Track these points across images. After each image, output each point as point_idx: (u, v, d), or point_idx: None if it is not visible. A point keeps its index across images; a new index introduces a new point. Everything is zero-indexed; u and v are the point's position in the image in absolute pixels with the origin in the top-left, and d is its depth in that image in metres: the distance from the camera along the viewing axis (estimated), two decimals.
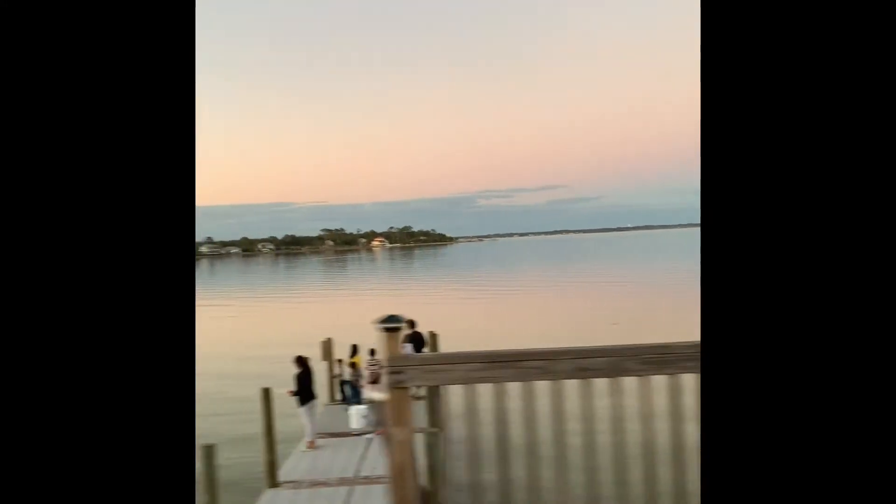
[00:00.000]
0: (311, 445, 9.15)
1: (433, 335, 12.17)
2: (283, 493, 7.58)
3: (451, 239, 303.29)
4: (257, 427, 8.47)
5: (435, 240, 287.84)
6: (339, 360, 11.80)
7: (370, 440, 9.40)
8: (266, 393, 8.17)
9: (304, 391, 9.19)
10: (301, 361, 9.37)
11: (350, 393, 11.31)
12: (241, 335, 25.17)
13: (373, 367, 11.88)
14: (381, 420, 10.32)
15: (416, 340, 11.83)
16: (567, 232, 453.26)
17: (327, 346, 12.06)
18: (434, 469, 6.41)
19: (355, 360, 11.66)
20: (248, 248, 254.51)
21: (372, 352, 11.92)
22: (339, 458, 8.70)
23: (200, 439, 12.25)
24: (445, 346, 11.53)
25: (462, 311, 26.17)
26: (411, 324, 12.18)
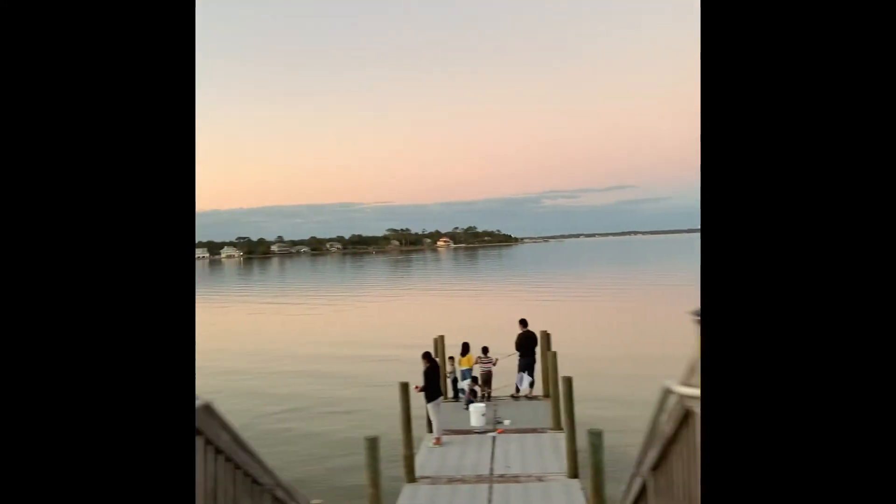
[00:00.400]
0: (438, 442, 9.17)
1: (546, 335, 12.02)
2: (422, 489, 7.60)
3: (516, 239, 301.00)
4: (371, 425, 8.45)
5: (500, 240, 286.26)
6: (451, 358, 11.80)
7: (494, 438, 9.34)
8: (404, 387, 8.22)
9: (432, 388, 9.22)
10: (428, 358, 9.40)
11: (463, 390, 11.30)
12: (321, 334, 25.56)
13: (485, 366, 11.86)
14: (499, 418, 10.28)
15: (528, 339, 11.72)
16: (636, 233, 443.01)
17: (439, 344, 12.08)
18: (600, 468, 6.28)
19: (468, 358, 11.65)
20: (316, 247, 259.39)
21: (485, 350, 11.87)
22: (468, 456, 8.67)
23: (326, 437, 12.45)
24: (557, 346, 11.36)
25: (546, 311, 25.91)
26: (523, 323, 12.08)
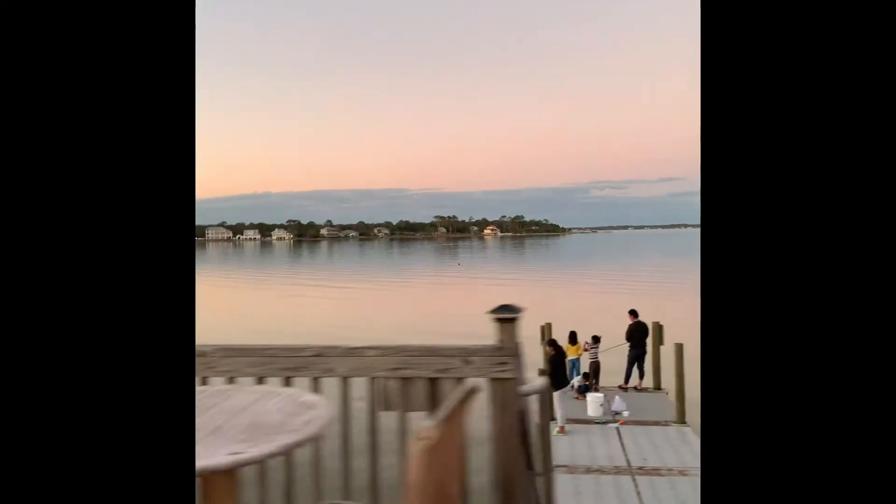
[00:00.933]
0: (562, 431, 9.05)
1: (658, 326, 11.74)
2: (562, 478, 7.49)
3: (563, 230, 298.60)
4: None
5: (547, 230, 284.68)
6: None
7: (618, 430, 9.17)
8: (541, 373, 8.11)
9: (558, 376, 9.09)
10: (554, 346, 9.27)
11: (575, 378, 11.13)
12: (381, 319, 25.64)
13: (595, 355, 11.68)
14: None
15: (640, 330, 11.47)
16: (686, 226, 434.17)
17: (545, 332, 11.93)
18: None
19: (576, 347, 11.48)
20: (364, 232, 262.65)
21: (595, 339, 11.68)
22: (598, 446, 8.52)
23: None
24: (670, 338, 11.08)
25: (618, 302, 25.50)
26: (633, 313, 11.84)
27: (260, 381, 2.56)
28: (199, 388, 2.31)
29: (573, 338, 11.48)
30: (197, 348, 2.63)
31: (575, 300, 28.74)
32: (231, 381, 2.60)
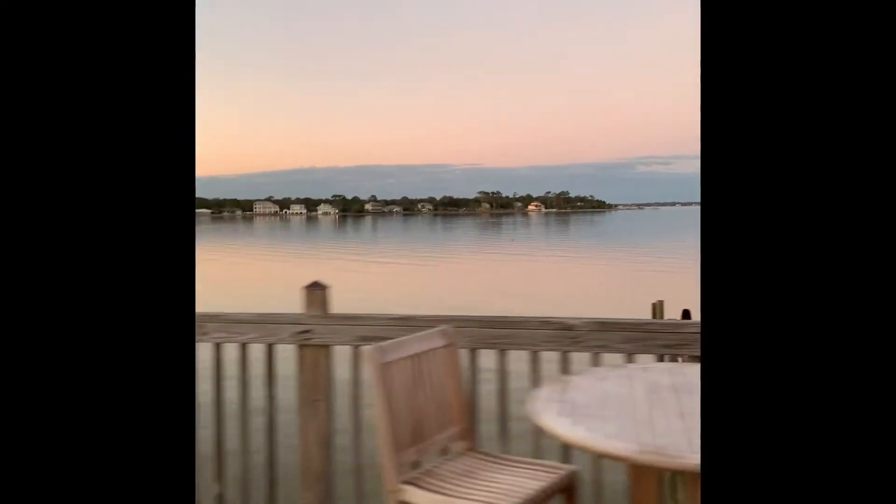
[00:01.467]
0: None
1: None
2: None
3: (609, 206, 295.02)
4: None
5: (593, 206, 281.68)
6: None
7: None
8: None
9: None
10: (687, 315, 9.12)
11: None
12: (443, 294, 25.61)
13: None
14: None
15: None
16: None
17: (658, 310, 11.77)
18: None
19: None
20: (407, 207, 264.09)
21: (685, 313, 11.51)
22: None
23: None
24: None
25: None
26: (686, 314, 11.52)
27: (630, 358, 2.52)
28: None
29: (686, 315, 11.30)
30: (561, 322, 2.61)
31: (650, 279, 28.30)
32: (596, 357, 2.57)
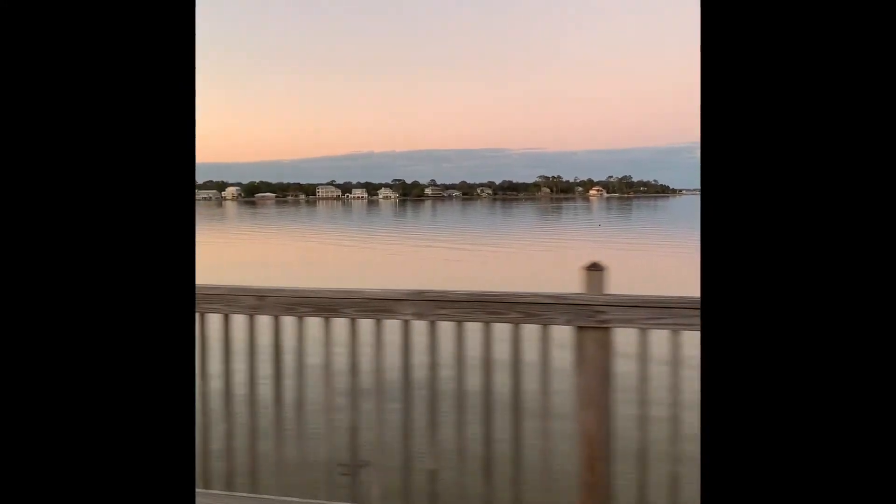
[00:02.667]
0: None
1: None
2: None
3: (674, 191, 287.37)
4: None
5: (656, 191, 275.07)
6: None
7: None
8: None
9: None
10: None
11: None
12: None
13: None
14: None
15: None
16: None
17: None
18: None
19: None
20: (467, 191, 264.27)
21: None
22: None
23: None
24: None
25: None
26: None
27: None
28: None
29: None
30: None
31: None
32: None
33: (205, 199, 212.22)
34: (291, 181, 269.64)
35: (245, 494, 2.92)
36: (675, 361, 2.75)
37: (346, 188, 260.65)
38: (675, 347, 2.74)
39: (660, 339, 2.73)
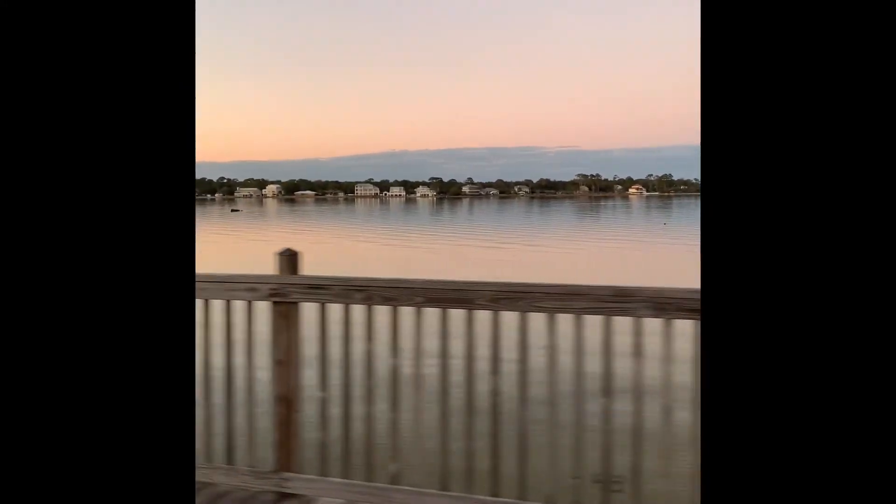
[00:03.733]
0: None
1: None
2: None
3: None
4: None
5: (696, 189, 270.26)
6: None
7: None
8: None
9: None
10: None
11: None
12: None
13: None
14: None
15: None
16: None
17: None
18: None
19: None
20: (503, 189, 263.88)
21: None
22: None
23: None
24: None
25: None
26: None
27: None
28: None
29: None
30: None
31: None
32: None
33: (245, 196, 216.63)
34: (328, 179, 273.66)
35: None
36: None
37: (383, 186, 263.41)
38: None
39: None
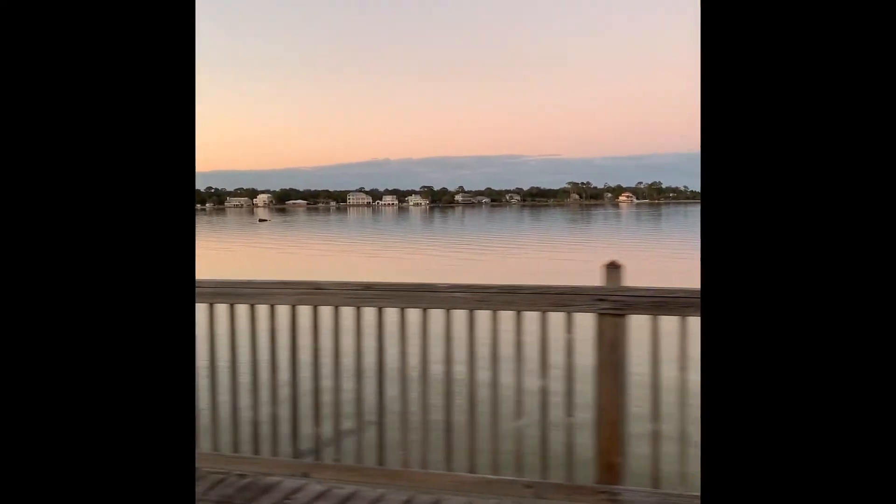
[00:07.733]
0: None
1: None
2: None
3: None
4: None
5: (687, 198, 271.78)
6: None
7: None
8: None
9: None
10: None
11: None
12: None
13: None
14: None
15: None
16: None
17: None
18: None
19: None
20: (495, 198, 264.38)
21: None
22: None
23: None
24: None
25: None
26: None
27: None
28: None
29: None
30: None
31: None
32: None
33: (236, 206, 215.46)
34: (316, 188, 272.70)
35: None
36: None
37: (375, 195, 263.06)
38: None
39: None
